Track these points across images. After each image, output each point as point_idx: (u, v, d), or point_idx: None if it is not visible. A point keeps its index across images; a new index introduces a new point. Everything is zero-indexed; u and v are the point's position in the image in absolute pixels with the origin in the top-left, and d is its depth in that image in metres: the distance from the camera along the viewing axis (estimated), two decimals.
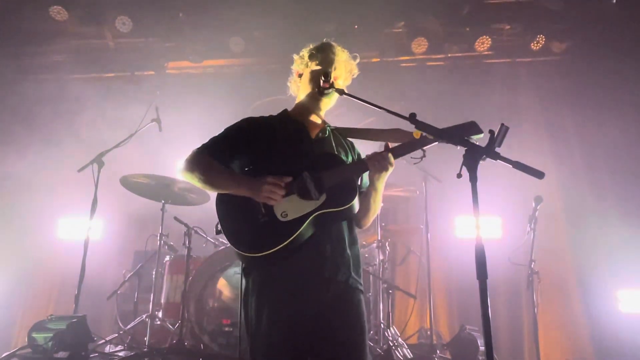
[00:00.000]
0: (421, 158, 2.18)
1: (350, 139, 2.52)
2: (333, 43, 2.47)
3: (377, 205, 2.35)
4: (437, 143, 2.09)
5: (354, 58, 2.48)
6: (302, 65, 2.47)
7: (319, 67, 2.38)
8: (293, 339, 2.07)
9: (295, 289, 2.11)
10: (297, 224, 2.09)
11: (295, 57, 2.53)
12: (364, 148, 2.51)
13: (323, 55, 2.41)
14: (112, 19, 6.56)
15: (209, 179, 2.26)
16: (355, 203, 2.17)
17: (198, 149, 2.34)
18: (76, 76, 7.35)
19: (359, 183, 2.36)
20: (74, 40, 7.08)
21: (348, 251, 2.23)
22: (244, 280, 2.24)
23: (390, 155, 2.17)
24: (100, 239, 6.65)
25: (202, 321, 4.36)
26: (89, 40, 7.08)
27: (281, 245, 2.06)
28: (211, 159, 2.28)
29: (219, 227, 2.20)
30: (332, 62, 2.39)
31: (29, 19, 6.66)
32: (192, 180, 2.30)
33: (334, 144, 2.40)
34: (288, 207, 2.12)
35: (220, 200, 2.25)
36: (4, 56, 7.04)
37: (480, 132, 1.93)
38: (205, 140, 2.38)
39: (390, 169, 2.19)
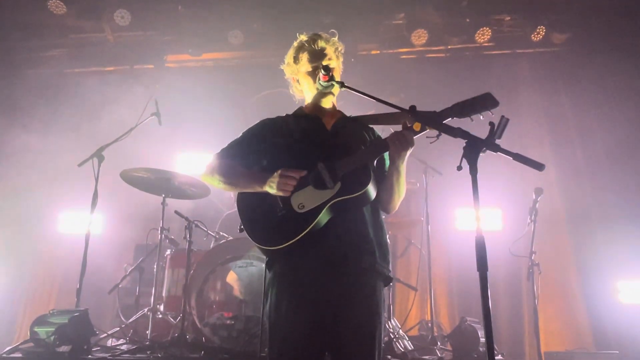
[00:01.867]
0: (437, 137, 2.15)
1: (370, 125, 2.51)
2: (309, 34, 2.46)
3: (401, 187, 2.32)
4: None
5: (333, 35, 2.47)
6: (293, 71, 2.49)
7: (311, 65, 2.40)
8: (311, 331, 2.09)
9: (315, 279, 2.13)
10: (314, 213, 2.11)
11: (283, 66, 2.54)
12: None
13: (306, 51, 2.41)
14: (111, 12, 6.54)
15: (229, 180, 2.34)
16: (371, 188, 2.16)
17: (217, 152, 2.42)
18: (75, 70, 7.34)
19: (382, 166, 2.37)
20: (73, 34, 7.07)
21: (372, 237, 2.23)
22: (267, 273, 2.30)
23: (410, 133, 2.14)
24: (101, 233, 6.66)
25: (204, 314, 4.37)
26: (88, 34, 7.07)
27: (299, 236, 2.09)
28: (229, 161, 2.37)
29: (242, 226, 2.26)
30: (318, 53, 2.39)
31: (27, 12, 6.63)
32: (213, 184, 2.40)
33: (351, 132, 2.40)
34: (304, 199, 2.15)
35: (240, 199, 2.31)
36: (3, 50, 7.02)
37: (497, 103, 1.90)
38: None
39: (411, 148, 2.16)
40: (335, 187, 2.13)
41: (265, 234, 2.18)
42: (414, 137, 2.14)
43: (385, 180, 2.32)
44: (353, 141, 2.32)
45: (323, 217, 2.12)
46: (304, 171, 2.18)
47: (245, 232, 2.24)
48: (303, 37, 2.47)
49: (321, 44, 2.40)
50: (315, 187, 2.16)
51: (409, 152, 2.18)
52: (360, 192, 2.12)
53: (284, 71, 2.56)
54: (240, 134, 2.46)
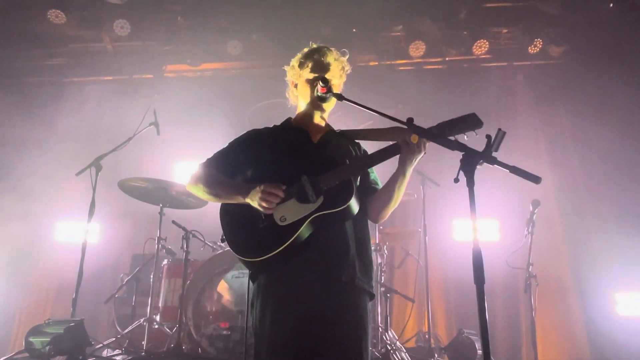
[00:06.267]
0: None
1: (356, 140, 2.52)
2: (320, 45, 2.48)
3: (399, 195, 2.29)
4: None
5: (344, 54, 2.48)
6: (295, 74, 2.49)
7: (312, 74, 2.40)
8: (294, 342, 2.08)
9: (298, 292, 2.13)
10: (295, 227, 2.11)
11: (287, 67, 2.54)
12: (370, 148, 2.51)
13: (313, 60, 2.41)
14: (111, 22, 6.56)
15: (212, 191, 2.34)
16: (353, 203, 2.15)
17: (203, 162, 2.42)
18: (74, 79, 7.36)
19: (366, 180, 2.38)
20: (72, 43, 7.09)
21: (353, 252, 2.23)
22: (251, 285, 2.29)
23: (424, 139, 2.10)
24: (98, 242, 6.64)
25: (200, 325, 4.35)
26: (87, 43, 7.09)
27: (279, 249, 2.09)
28: (214, 171, 2.37)
29: (224, 237, 2.27)
30: (324, 65, 2.40)
31: (27, 22, 6.66)
32: (197, 193, 2.40)
33: (337, 146, 2.41)
34: (287, 212, 2.14)
35: (224, 210, 2.32)
36: (3, 59, 7.04)
37: (481, 124, 1.93)
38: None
39: (421, 154, 2.14)
40: (317, 201, 2.13)
41: (246, 245, 2.19)
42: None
43: (386, 187, 2.31)
44: (339, 155, 2.31)
45: (304, 231, 2.12)
46: (284, 185, 2.16)
47: (226, 242, 2.24)
48: (315, 46, 2.47)
49: (329, 58, 2.41)
50: (298, 201, 2.15)
51: (419, 157, 2.16)
52: (341, 208, 2.12)
53: (287, 72, 2.55)
54: (227, 144, 2.46)
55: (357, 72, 2.55)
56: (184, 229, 4.71)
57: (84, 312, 4.29)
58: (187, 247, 4.64)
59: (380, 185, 2.41)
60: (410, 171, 2.22)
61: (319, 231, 2.15)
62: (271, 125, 2.52)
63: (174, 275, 5.09)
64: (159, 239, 5.04)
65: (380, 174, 2.48)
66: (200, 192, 2.37)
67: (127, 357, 4.29)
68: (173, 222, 4.75)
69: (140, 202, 5.17)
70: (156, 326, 4.82)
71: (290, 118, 2.55)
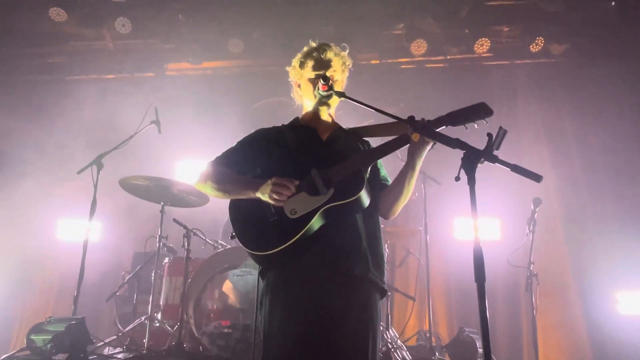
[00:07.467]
0: (432, 146, 2.13)
1: (365, 138, 2.52)
2: (320, 43, 2.47)
3: (410, 189, 2.29)
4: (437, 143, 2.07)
5: (344, 49, 2.49)
6: (297, 74, 2.49)
7: (314, 72, 2.40)
8: (303, 340, 2.07)
9: (308, 288, 2.11)
10: (305, 219, 2.09)
11: (288, 68, 2.55)
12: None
13: (313, 58, 2.42)
14: (112, 20, 6.57)
15: (222, 187, 2.34)
16: (364, 195, 2.14)
17: (211, 160, 2.42)
18: (75, 77, 7.36)
19: (376, 175, 2.39)
20: (73, 41, 7.10)
21: (365, 245, 2.21)
22: (260, 282, 2.28)
23: (425, 137, 2.09)
24: (99, 240, 6.65)
25: (201, 323, 4.36)
26: (89, 41, 7.10)
27: (291, 241, 2.07)
28: (223, 168, 2.37)
29: (233, 233, 2.26)
30: (324, 62, 2.40)
31: (28, 20, 6.66)
32: (206, 191, 2.40)
33: (346, 144, 2.41)
34: (297, 205, 2.13)
35: (233, 206, 2.31)
36: (3, 57, 7.04)
37: (491, 112, 1.94)
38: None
39: (430, 145, 2.12)
40: (328, 193, 2.12)
41: (256, 239, 2.17)
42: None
43: (395, 182, 2.31)
44: (348, 152, 2.31)
45: (315, 223, 2.11)
46: (296, 180, 2.16)
47: (237, 238, 2.22)
48: (314, 44, 2.47)
49: (329, 54, 2.41)
50: (309, 193, 2.15)
51: (428, 148, 2.14)
52: (353, 198, 2.11)
53: (289, 73, 2.55)
54: (236, 143, 2.47)
55: (358, 71, 2.54)
56: (185, 227, 4.71)
57: (85, 310, 4.30)
58: (188, 245, 4.64)
59: (390, 181, 2.41)
60: (419, 164, 2.20)
61: (330, 224, 2.14)
62: (277, 124, 2.53)
63: (175, 273, 5.09)
64: (160, 237, 5.05)
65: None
66: (209, 190, 2.37)
67: (128, 355, 4.29)
68: (174, 220, 4.76)
69: (142, 200, 5.17)
70: (157, 324, 4.83)
71: (297, 117, 2.55)
